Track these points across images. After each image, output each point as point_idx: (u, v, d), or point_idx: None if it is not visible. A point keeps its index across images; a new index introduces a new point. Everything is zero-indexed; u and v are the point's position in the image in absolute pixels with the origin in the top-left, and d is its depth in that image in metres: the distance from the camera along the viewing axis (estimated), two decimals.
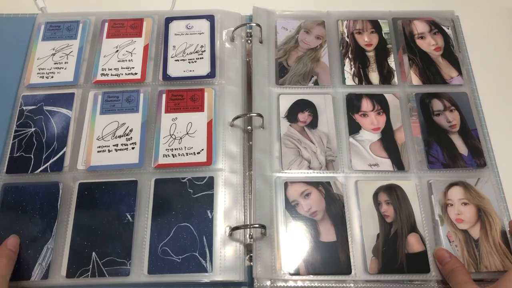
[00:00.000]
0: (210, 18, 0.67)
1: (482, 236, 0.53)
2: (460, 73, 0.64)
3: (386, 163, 0.58)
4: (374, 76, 0.64)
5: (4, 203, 0.55)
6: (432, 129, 0.60)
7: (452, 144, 0.59)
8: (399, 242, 0.53)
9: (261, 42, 0.66)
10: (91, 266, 0.52)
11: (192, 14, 0.68)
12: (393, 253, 0.53)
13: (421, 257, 0.53)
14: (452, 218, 0.54)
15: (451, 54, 0.66)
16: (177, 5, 0.73)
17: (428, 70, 0.64)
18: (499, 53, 0.70)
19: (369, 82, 0.64)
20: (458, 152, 0.59)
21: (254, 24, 0.65)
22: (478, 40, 0.69)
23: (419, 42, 0.66)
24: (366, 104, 0.62)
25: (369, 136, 0.60)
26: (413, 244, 0.53)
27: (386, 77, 0.64)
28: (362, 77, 0.64)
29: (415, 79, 0.64)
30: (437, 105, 0.62)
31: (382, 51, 0.66)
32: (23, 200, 0.55)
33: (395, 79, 0.64)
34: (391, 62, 0.65)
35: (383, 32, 0.67)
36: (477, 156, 0.59)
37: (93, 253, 0.52)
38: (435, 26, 0.68)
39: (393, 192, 0.56)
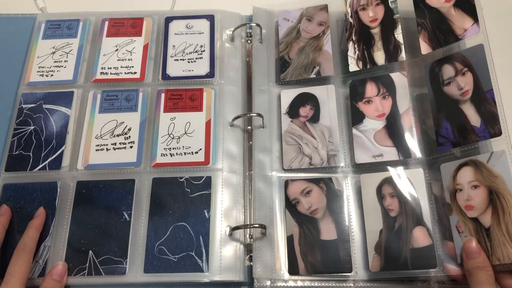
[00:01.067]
0: (210, 18, 0.67)
1: (494, 223, 0.47)
2: (475, 20, 0.56)
3: (391, 152, 0.55)
4: (380, 56, 0.60)
5: (3, 201, 0.55)
6: (442, 103, 0.55)
7: (463, 116, 0.53)
8: (404, 236, 0.50)
9: (261, 42, 0.65)
10: (87, 264, 0.51)
11: (192, 14, 0.68)
12: (397, 249, 0.50)
13: (427, 252, 0.49)
14: (461, 205, 0.49)
15: None
16: (177, 5, 0.73)
17: (439, 30, 0.58)
18: None
19: (374, 63, 0.60)
20: (469, 125, 0.52)
21: (254, 24, 0.65)
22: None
23: (428, 0, 0.60)
24: (370, 89, 0.59)
25: (373, 124, 0.57)
26: (419, 238, 0.50)
27: (392, 54, 0.60)
28: (366, 59, 0.60)
29: (424, 47, 0.58)
30: (448, 71, 0.55)
31: (388, 23, 0.61)
32: (21, 198, 0.55)
33: (402, 54, 0.59)
34: (398, 34, 0.60)
35: (389, 1, 0.63)
36: (491, 124, 0.51)
37: (90, 251, 0.52)
38: None
39: (398, 183, 0.53)
